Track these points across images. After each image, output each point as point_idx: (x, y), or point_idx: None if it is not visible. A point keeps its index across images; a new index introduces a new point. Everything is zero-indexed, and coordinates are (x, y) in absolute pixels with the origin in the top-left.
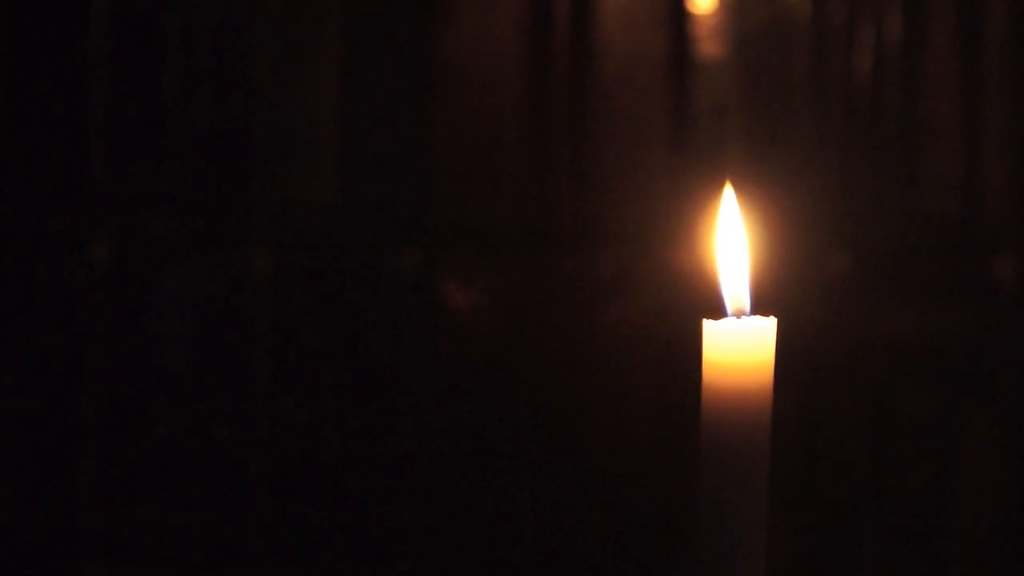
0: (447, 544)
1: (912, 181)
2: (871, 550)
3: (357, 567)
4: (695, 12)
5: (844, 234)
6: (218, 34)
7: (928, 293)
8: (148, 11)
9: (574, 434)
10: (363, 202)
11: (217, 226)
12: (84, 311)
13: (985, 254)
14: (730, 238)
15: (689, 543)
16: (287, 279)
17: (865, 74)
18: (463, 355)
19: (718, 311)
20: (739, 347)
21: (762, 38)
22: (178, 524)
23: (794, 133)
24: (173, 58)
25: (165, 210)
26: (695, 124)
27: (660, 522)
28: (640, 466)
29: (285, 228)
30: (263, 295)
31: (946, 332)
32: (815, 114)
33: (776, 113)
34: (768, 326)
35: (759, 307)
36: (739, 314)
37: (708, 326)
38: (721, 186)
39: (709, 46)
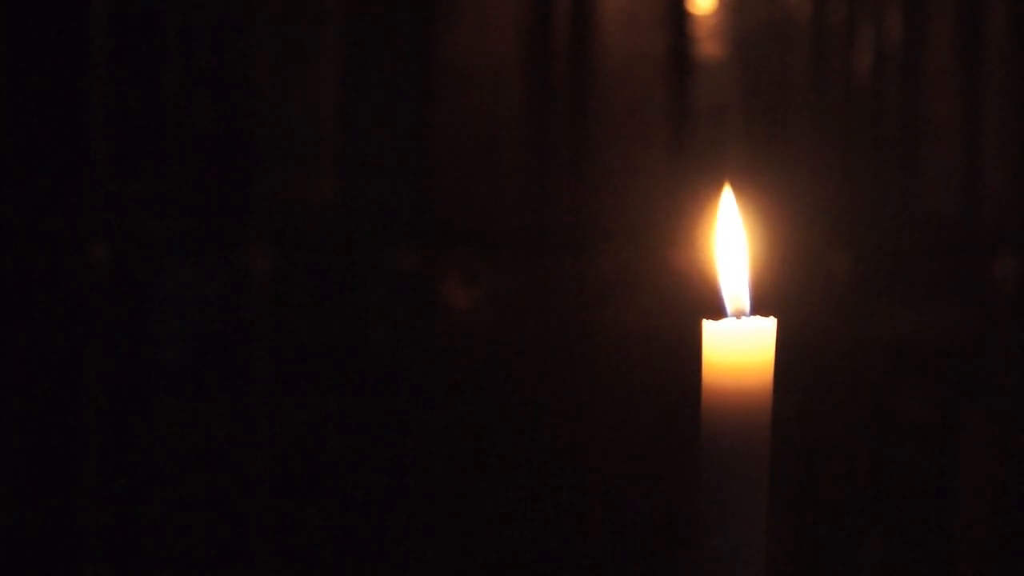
0: (447, 544)
1: (912, 181)
2: (871, 550)
3: (357, 567)
4: (695, 12)
5: (844, 234)
6: (218, 34)
7: (928, 293)
8: (148, 11)
9: (574, 434)
10: (363, 202)
11: (217, 226)
12: (84, 311)
13: (985, 254)
14: (730, 238)
15: (689, 543)
16: (287, 279)
17: (865, 74)
18: (463, 355)
19: (718, 311)
20: (739, 347)
21: (762, 38)
22: (178, 524)
23: (794, 133)
24: (173, 58)
25: (165, 210)
26: (695, 124)
27: (660, 522)
28: (640, 466)
29: (285, 228)
30: (263, 295)
31: (946, 332)
32: (815, 114)
33: (776, 113)
34: (768, 326)
35: (759, 307)
36: (739, 314)
37: (708, 326)
38: (721, 186)
39: (709, 46)
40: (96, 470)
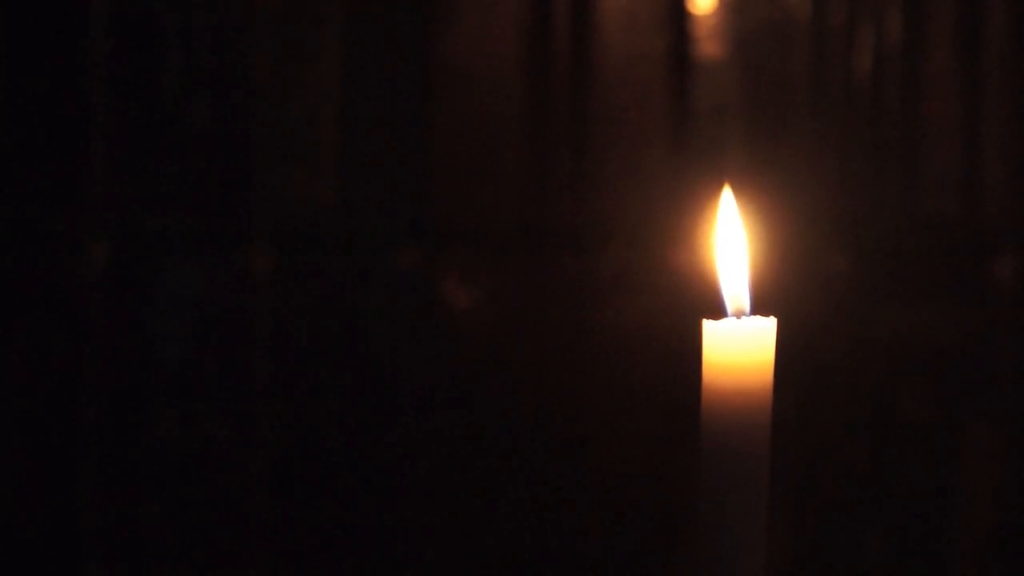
0: (447, 544)
1: (912, 181)
2: (871, 550)
3: (357, 567)
4: (695, 12)
5: (844, 234)
6: (218, 34)
7: (928, 293)
8: (148, 11)
9: (574, 434)
10: (363, 202)
11: (217, 226)
12: (84, 311)
13: (985, 254)
14: (730, 238)
15: (689, 543)
16: (287, 279)
17: (865, 74)
18: (463, 355)
19: (718, 311)
20: (739, 347)
21: (762, 38)
22: (178, 524)
23: (794, 133)
24: (173, 58)
25: (165, 210)
26: (695, 124)
27: (660, 522)
28: (640, 466)
29: (285, 228)
30: (263, 295)
31: (946, 332)
32: (815, 114)
33: (776, 113)
34: (768, 326)
35: (759, 307)
36: (739, 314)
37: (708, 326)
38: (721, 186)
39: (709, 46)
40: (96, 470)
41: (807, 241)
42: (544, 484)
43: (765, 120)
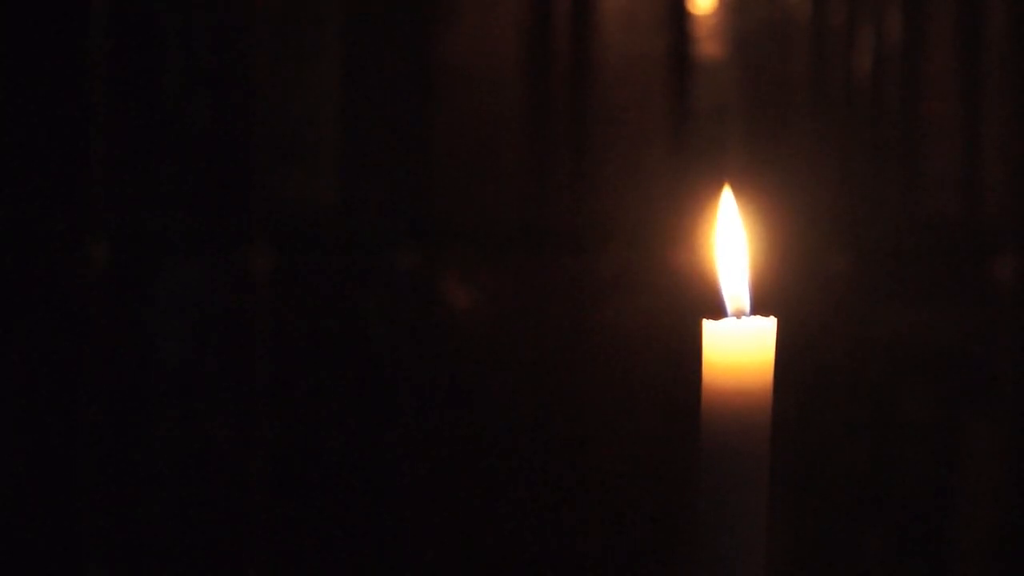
0: (447, 544)
1: (912, 181)
2: (871, 550)
3: (357, 567)
4: (695, 12)
5: (844, 234)
6: (218, 34)
7: (928, 293)
8: (148, 11)
9: (574, 434)
10: (363, 202)
11: (217, 226)
12: (84, 311)
13: (985, 254)
14: (730, 238)
15: (689, 543)
16: (287, 279)
17: (865, 74)
18: (463, 355)
19: (718, 311)
20: (739, 347)
21: (762, 38)
22: (178, 524)
23: (794, 133)
24: (173, 58)
25: (165, 209)
26: (695, 124)
27: (660, 522)
28: (640, 466)
29: (285, 228)
30: (263, 295)
31: (946, 332)
32: (815, 114)
33: (776, 113)
34: (768, 326)
35: (759, 307)
36: (739, 314)
37: (708, 326)
38: (720, 186)
39: (709, 46)
40: (96, 470)
41: (807, 241)
42: (544, 484)
43: (765, 120)
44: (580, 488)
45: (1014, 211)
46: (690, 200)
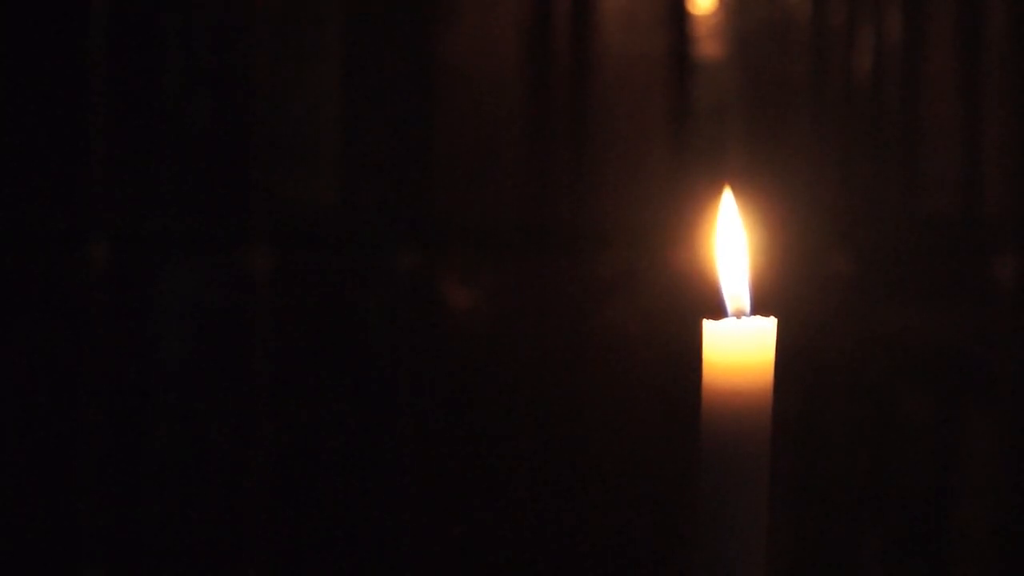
0: (447, 544)
1: (912, 181)
2: (871, 550)
3: (357, 567)
4: (695, 12)
5: (844, 234)
6: (218, 34)
7: (928, 293)
8: (148, 11)
9: (574, 434)
10: (363, 202)
11: (217, 226)
12: (84, 311)
13: (985, 254)
14: (730, 238)
15: (689, 543)
16: (287, 279)
17: (865, 74)
18: (463, 355)
19: (718, 311)
20: (739, 347)
21: (762, 38)
22: (178, 524)
23: (794, 133)
24: (173, 58)
25: (165, 210)
26: (695, 124)
27: (660, 522)
28: (640, 466)
29: (285, 228)
30: (263, 295)
31: (946, 332)
32: (815, 114)
33: (776, 113)
34: (768, 326)
35: (759, 307)
36: (739, 314)
37: (708, 326)
38: (721, 186)
39: (709, 46)
40: (96, 470)
41: (807, 241)
42: (544, 484)
43: (765, 120)
44: (580, 488)
45: (1014, 211)
46: (690, 200)
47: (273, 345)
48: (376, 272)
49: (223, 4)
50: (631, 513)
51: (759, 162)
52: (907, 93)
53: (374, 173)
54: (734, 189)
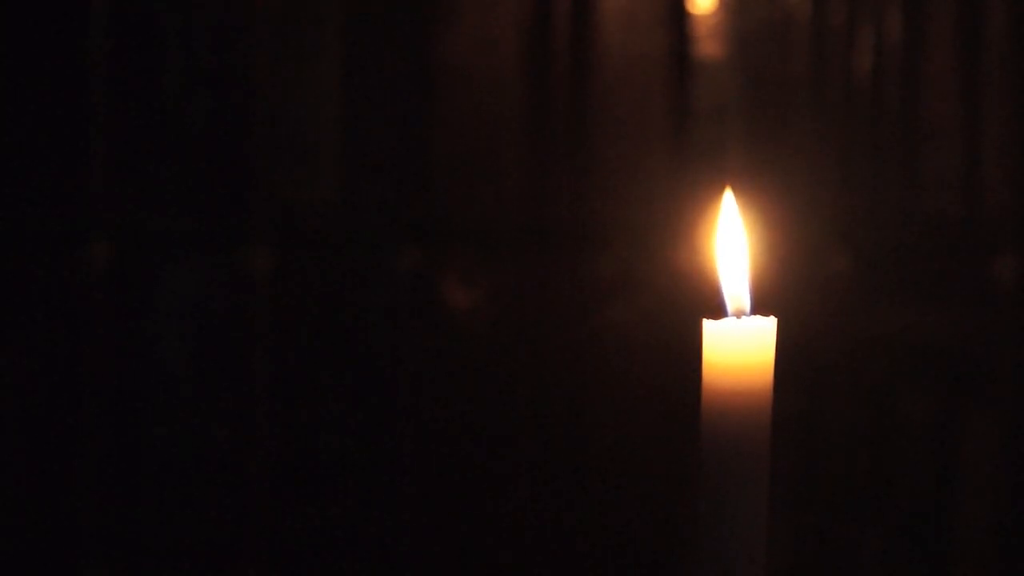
0: (447, 544)
1: (912, 181)
2: (871, 550)
3: (357, 567)
4: (695, 12)
5: (844, 234)
6: (218, 34)
7: (928, 293)
8: (148, 11)
9: (574, 434)
10: (363, 202)
11: (217, 226)
12: (84, 311)
13: (985, 254)
14: (730, 238)
15: (689, 543)
16: (287, 279)
17: (865, 74)
18: (463, 355)
19: (718, 311)
20: (739, 347)
21: (762, 38)
22: (178, 524)
23: (794, 133)
24: (173, 58)
25: (165, 209)
26: (695, 124)
27: (660, 522)
28: (640, 466)
29: (285, 228)
30: (263, 295)
31: (946, 332)
32: (815, 114)
33: (776, 113)
34: (768, 326)
35: (759, 307)
36: (739, 314)
37: (708, 326)
38: (721, 186)
39: (709, 46)
40: (96, 470)
41: (807, 241)
42: (544, 484)
43: (765, 120)
44: (580, 488)
45: (1014, 211)
46: (690, 200)
47: (273, 345)
48: (376, 272)
49: (223, 4)
50: (631, 513)
51: (759, 162)
52: (907, 93)
53: (374, 173)
54: (734, 189)
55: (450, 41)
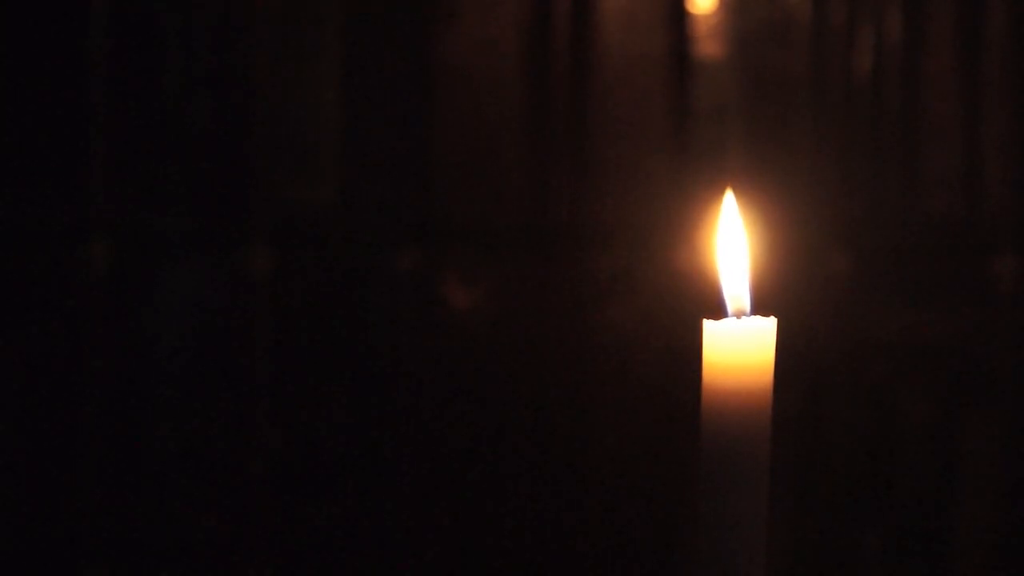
0: (447, 544)
1: (912, 181)
2: (871, 550)
3: (357, 567)
4: (695, 12)
5: (844, 234)
6: (218, 34)
7: (928, 293)
8: (148, 11)
9: (574, 434)
10: (363, 202)
11: (217, 226)
12: (84, 310)
13: (985, 254)
14: (730, 238)
15: (689, 543)
16: (287, 279)
17: (865, 74)
18: (463, 355)
19: (718, 311)
20: (739, 347)
21: (762, 38)
22: (178, 524)
23: (794, 133)
24: (173, 58)
25: (165, 209)
26: (695, 124)
27: (660, 522)
28: (640, 466)
29: (285, 228)
30: (263, 295)
31: (946, 332)
32: (815, 114)
33: (776, 113)
34: (768, 326)
35: (759, 307)
36: (739, 314)
37: (708, 326)
38: (721, 186)
39: (709, 46)
40: (96, 470)
41: (807, 241)
42: (544, 484)
43: (765, 120)
44: (580, 488)
45: (1014, 211)
46: (690, 200)
47: (273, 345)
48: (376, 272)
49: (223, 4)
50: (631, 513)
51: (759, 162)
52: (907, 93)
53: (374, 173)
54: (734, 189)
55: (450, 41)
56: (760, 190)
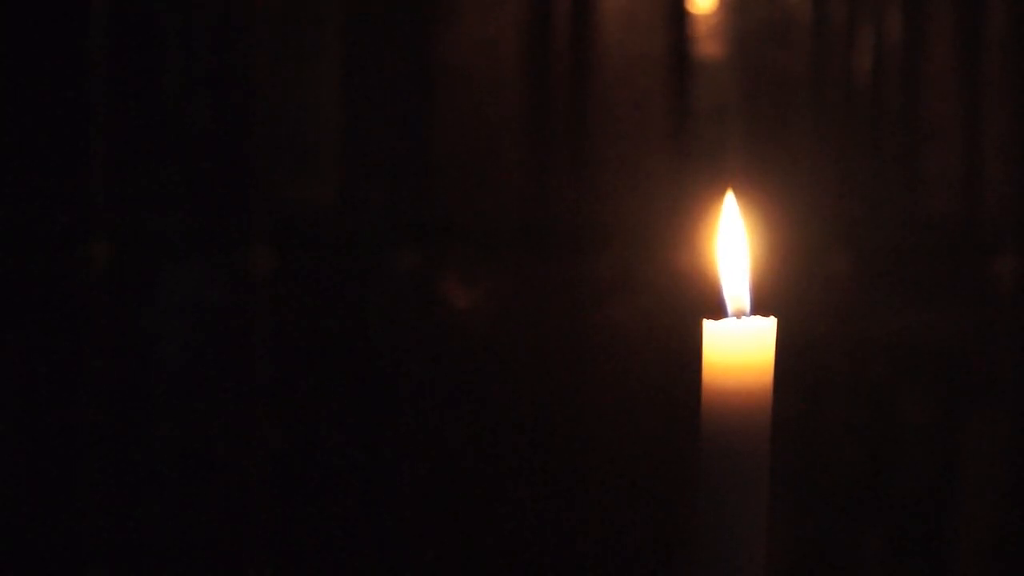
0: (447, 544)
1: (912, 181)
2: (871, 550)
3: (357, 567)
4: (695, 12)
5: (844, 234)
6: (218, 34)
7: (928, 293)
8: (148, 11)
9: (574, 434)
10: (363, 202)
11: (217, 226)
12: (84, 311)
13: (985, 254)
14: (731, 238)
15: (689, 543)
16: (287, 279)
17: (865, 74)
18: (463, 355)
19: (718, 311)
20: (739, 347)
21: (762, 38)
22: (178, 524)
23: (794, 133)
24: (173, 58)
25: (165, 209)
26: (695, 124)
27: (660, 522)
28: (640, 466)
29: (285, 228)
30: (263, 295)
31: (946, 332)
32: (815, 114)
33: (776, 113)
34: (768, 326)
35: (759, 307)
36: (739, 314)
37: (708, 326)
38: (721, 186)
39: (709, 46)
40: (96, 470)
41: (807, 241)
42: (544, 484)
43: (765, 120)
44: (580, 488)
45: (1014, 211)
46: (690, 200)
47: (273, 345)
48: (376, 272)
49: (223, 4)
50: (631, 513)
51: (759, 162)
52: (907, 93)
53: (374, 173)
54: (734, 189)
55: (450, 41)
56: (760, 190)
